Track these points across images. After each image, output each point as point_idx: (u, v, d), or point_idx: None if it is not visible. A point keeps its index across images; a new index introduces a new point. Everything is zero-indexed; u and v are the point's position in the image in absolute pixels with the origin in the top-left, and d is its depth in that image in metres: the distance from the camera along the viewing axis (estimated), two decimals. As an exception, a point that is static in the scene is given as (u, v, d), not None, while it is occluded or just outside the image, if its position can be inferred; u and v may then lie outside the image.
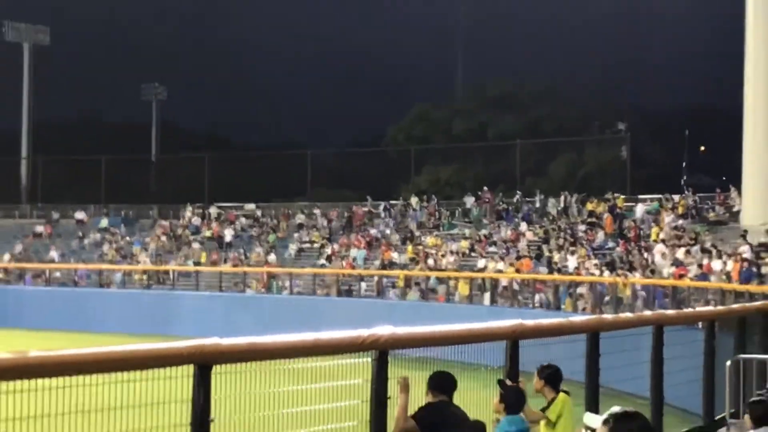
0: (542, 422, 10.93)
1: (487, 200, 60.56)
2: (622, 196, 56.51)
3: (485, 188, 61.17)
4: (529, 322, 10.83)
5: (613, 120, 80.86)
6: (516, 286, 44.75)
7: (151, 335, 29.94)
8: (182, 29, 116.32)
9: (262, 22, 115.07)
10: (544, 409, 10.99)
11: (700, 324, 15.97)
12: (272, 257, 56.71)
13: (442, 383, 9.47)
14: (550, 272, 45.65)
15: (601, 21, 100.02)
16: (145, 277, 56.21)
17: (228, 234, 61.30)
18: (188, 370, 7.31)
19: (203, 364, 7.29)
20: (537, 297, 42.88)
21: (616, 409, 5.50)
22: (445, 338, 9.88)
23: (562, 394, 11.20)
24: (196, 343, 7.31)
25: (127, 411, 6.84)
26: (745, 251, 41.07)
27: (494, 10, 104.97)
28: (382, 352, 8.61)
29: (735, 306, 20.50)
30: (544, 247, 49.49)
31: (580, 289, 41.65)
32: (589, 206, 55.06)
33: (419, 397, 9.31)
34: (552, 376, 11.22)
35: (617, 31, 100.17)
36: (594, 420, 5.82)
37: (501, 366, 10.48)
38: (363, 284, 49.91)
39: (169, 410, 7.23)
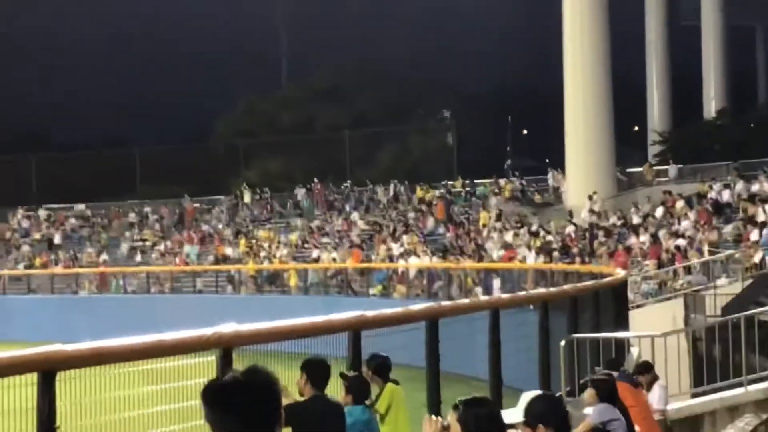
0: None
1: (317, 191, 60.81)
2: (450, 182, 57.47)
3: (315, 180, 61.41)
4: (370, 313, 10.94)
5: (438, 107, 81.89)
6: (351, 276, 45.02)
7: (-18, 342, 29.23)
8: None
9: (69, 13, 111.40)
10: (372, 404, 10.61)
11: (531, 306, 16.33)
12: (104, 257, 55.92)
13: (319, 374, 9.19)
14: (383, 260, 46.07)
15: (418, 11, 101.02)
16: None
17: (57, 236, 60.17)
18: (31, 378, 7.19)
19: (47, 370, 7.19)
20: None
21: (475, 395, 5.73)
22: (288, 332, 9.93)
23: (389, 385, 11.09)
24: (40, 350, 7.19)
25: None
26: (571, 231, 42.16)
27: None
28: (226, 349, 8.63)
29: (567, 287, 21.03)
30: (376, 236, 49.92)
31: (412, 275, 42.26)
32: (419, 193, 55.79)
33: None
34: (380, 367, 11.07)
35: (433, 18, 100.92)
36: (511, 415, 5.99)
37: (345, 356, 10.55)
38: (199, 280, 49.59)
39: (13, 420, 7.13)
